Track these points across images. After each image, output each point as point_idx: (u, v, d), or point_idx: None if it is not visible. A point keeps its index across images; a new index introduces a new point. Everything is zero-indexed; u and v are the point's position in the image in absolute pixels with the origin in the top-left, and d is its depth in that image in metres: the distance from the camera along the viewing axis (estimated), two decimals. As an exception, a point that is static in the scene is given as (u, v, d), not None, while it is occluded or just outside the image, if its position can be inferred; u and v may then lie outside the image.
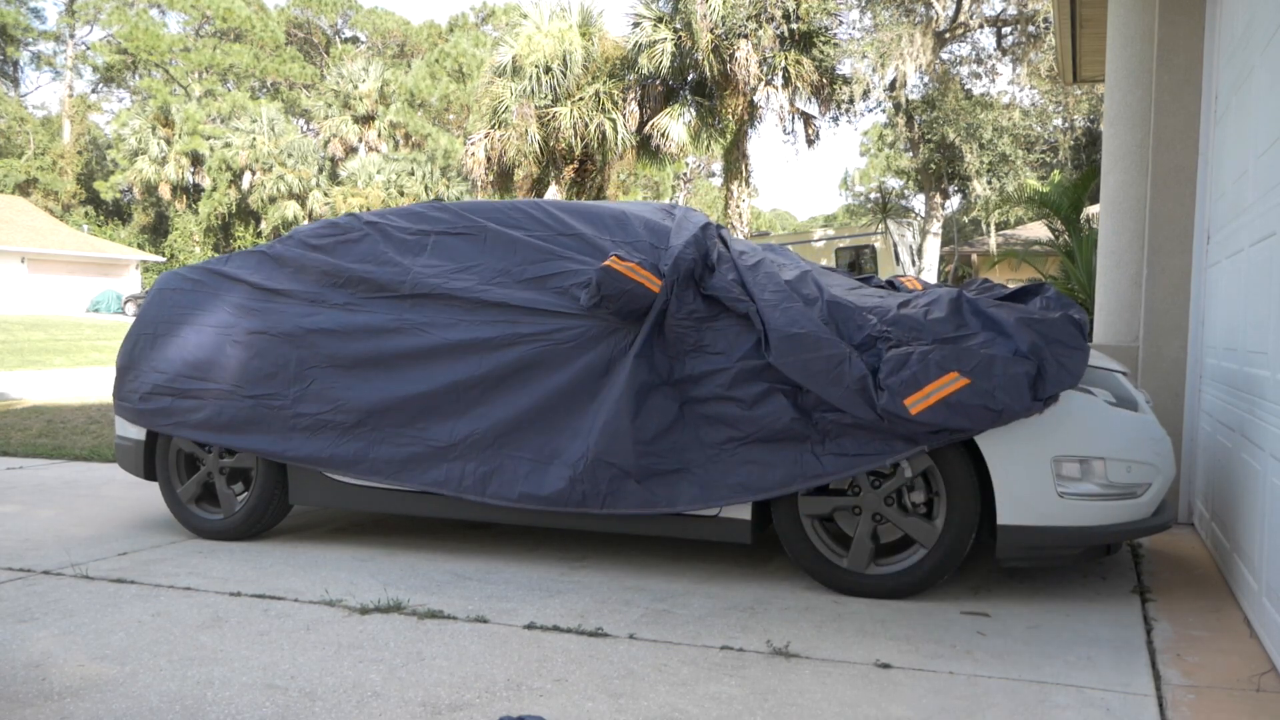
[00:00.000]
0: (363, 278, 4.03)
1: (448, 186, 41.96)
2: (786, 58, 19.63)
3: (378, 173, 41.44)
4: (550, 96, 20.68)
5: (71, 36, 50.42)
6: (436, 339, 3.82)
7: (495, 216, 4.04)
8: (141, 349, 4.36)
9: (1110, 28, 5.32)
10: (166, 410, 4.20)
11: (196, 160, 44.05)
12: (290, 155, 42.77)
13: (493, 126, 21.14)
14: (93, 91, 52.78)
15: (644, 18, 20.31)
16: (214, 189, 43.45)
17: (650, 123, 20.36)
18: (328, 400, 3.93)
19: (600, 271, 3.47)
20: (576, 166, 21.56)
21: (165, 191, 43.56)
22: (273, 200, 41.98)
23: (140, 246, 43.90)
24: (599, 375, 3.55)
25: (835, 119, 21.29)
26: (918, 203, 29.61)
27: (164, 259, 42.27)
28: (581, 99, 20.57)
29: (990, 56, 20.03)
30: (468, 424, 3.72)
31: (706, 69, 19.78)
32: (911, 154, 22.94)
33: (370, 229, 4.18)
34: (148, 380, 4.27)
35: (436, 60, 48.80)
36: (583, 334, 3.60)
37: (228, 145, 43.16)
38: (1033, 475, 3.14)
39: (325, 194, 42.06)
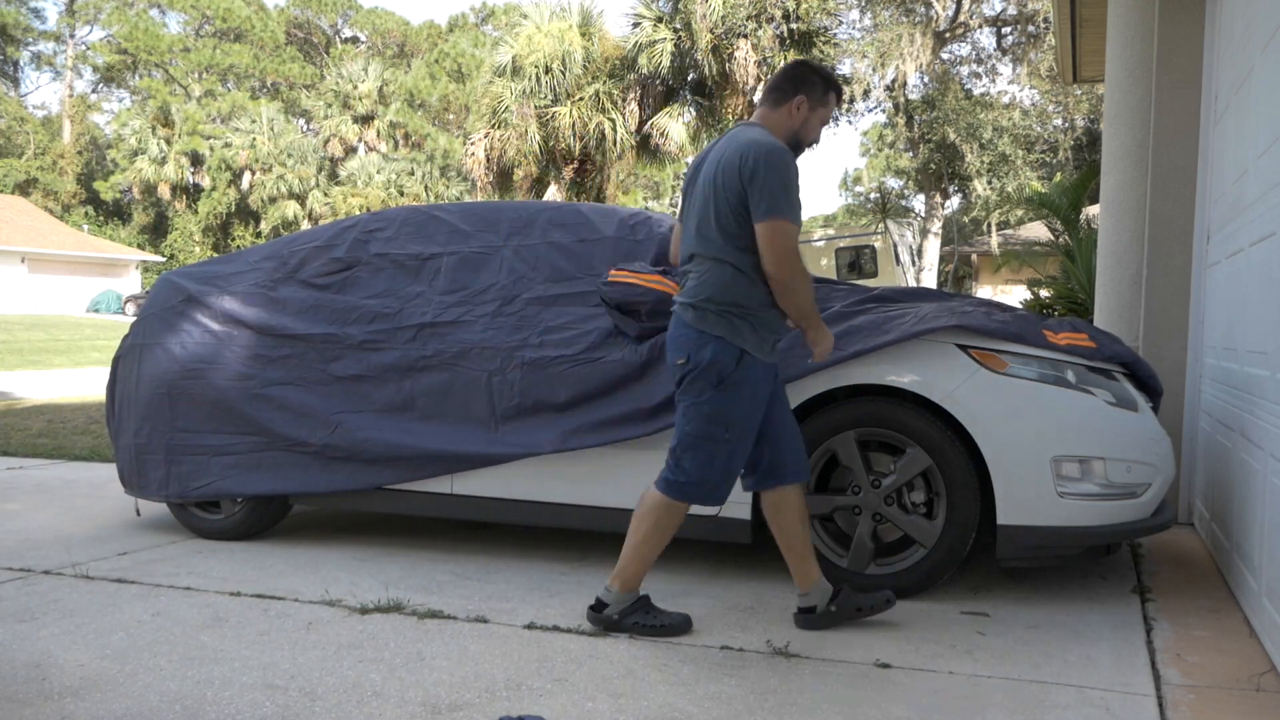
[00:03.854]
0: (379, 313, 3.97)
1: (447, 186, 41.97)
2: (786, 58, 19.62)
3: (378, 173, 41.45)
4: (550, 96, 20.68)
5: (71, 36, 50.44)
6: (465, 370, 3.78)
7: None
8: (157, 418, 4.15)
9: (1110, 28, 5.32)
10: (203, 469, 4.08)
11: (196, 160, 44.05)
12: (290, 155, 42.76)
13: (492, 126, 21.14)
14: (93, 91, 52.83)
15: (644, 18, 20.32)
16: (214, 189, 43.44)
17: (650, 123, 20.37)
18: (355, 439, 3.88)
19: (605, 287, 3.52)
20: (576, 166, 21.56)
21: (165, 191, 43.56)
22: (272, 200, 41.98)
23: (140, 246, 43.88)
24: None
25: (835, 119, 21.27)
26: (918, 203, 29.63)
27: (164, 259, 42.24)
28: (581, 99, 20.58)
29: (990, 56, 20.05)
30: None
31: (706, 69, 19.79)
32: (911, 154, 22.96)
33: (379, 260, 4.10)
34: (179, 445, 4.09)
35: (436, 60, 48.82)
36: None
37: (227, 145, 43.16)
38: (1033, 475, 3.14)
39: (325, 194, 42.06)
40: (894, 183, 35.82)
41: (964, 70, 20.52)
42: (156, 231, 46.82)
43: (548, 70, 20.56)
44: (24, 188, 44.50)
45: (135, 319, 4.44)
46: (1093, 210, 10.92)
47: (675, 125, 20.18)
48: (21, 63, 51.67)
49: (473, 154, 21.43)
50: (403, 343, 3.88)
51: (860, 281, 17.24)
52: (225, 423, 4.05)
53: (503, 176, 21.72)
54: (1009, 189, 19.86)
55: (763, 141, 2.75)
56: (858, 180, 45.85)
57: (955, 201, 25.81)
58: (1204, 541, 4.12)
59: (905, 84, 19.41)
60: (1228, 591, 3.38)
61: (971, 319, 3.30)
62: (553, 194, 21.52)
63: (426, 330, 3.87)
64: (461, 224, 4.13)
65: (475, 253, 4.03)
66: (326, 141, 43.78)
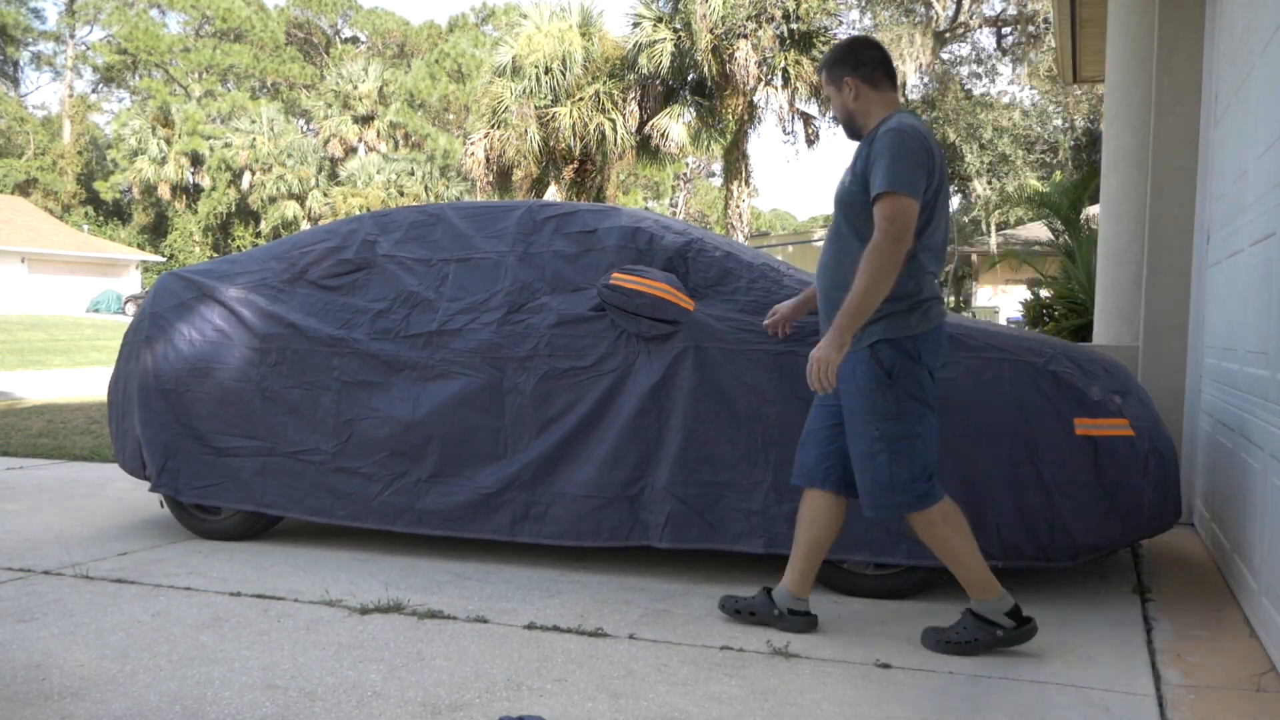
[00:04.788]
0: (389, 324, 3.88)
1: (447, 186, 41.98)
2: (786, 58, 19.64)
3: (378, 173, 41.46)
4: (550, 97, 20.69)
5: (71, 36, 50.46)
6: (475, 379, 3.70)
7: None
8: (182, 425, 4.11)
9: (1110, 28, 5.32)
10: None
11: (196, 160, 44.08)
12: (290, 155, 42.78)
13: (492, 126, 21.16)
14: (93, 91, 52.86)
15: (644, 18, 20.33)
16: (214, 189, 43.46)
17: (650, 123, 20.37)
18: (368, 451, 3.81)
19: (607, 290, 3.45)
20: (576, 167, 21.57)
21: (165, 191, 43.58)
22: (272, 200, 42.00)
23: (140, 246, 43.89)
24: (655, 400, 3.43)
25: (835, 119, 21.29)
26: (918, 203, 29.49)
27: (164, 259, 42.24)
28: (581, 99, 20.59)
29: (990, 56, 20.06)
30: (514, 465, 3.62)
31: (706, 69, 19.80)
32: (911, 154, 22.86)
33: (388, 262, 3.96)
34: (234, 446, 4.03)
35: (436, 60, 48.85)
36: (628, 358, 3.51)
37: (227, 145, 43.18)
38: (1033, 475, 3.13)
39: (325, 194, 42.07)
40: (894, 183, 35.69)
41: (964, 70, 20.54)
42: (156, 231, 46.82)
43: (548, 70, 20.57)
44: (24, 188, 44.51)
45: (141, 315, 4.35)
46: (1093, 210, 10.92)
47: (675, 125, 20.19)
48: (21, 63, 51.72)
49: (473, 154, 21.44)
50: None
51: None
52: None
53: (503, 176, 21.73)
54: (1009, 189, 19.86)
55: None
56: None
57: (955, 201, 25.81)
58: (1204, 541, 4.12)
59: (905, 84, 19.40)
60: (1228, 591, 3.38)
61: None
62: (552, 194, 21.53)
63: None
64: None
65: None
66: (326, 142, 43.80)
